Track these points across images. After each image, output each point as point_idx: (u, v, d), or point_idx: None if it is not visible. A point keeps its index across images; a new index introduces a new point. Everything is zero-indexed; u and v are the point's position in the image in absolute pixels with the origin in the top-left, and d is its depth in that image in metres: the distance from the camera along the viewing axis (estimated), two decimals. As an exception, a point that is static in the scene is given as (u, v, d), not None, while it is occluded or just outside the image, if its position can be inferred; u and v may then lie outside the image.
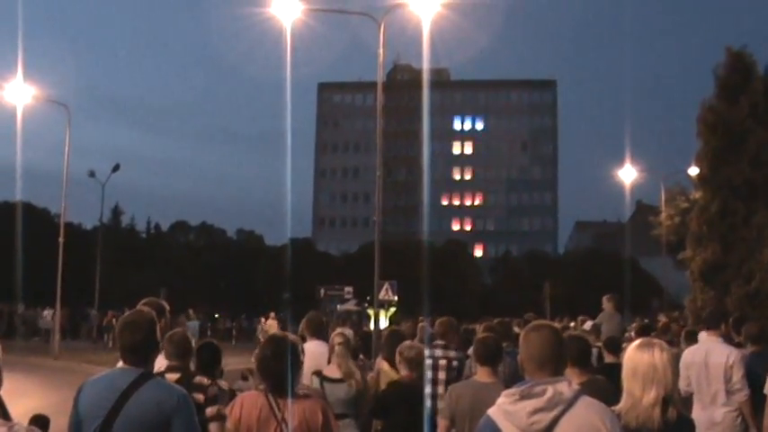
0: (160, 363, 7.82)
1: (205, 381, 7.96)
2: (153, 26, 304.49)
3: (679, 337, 16.51)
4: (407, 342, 9.89)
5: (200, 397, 7.56)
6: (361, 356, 12.63)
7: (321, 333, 11.29)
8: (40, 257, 58.05)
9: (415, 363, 9.53)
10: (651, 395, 5.39)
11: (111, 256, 67.33)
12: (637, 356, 5.57)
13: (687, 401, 10.99)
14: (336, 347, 9.94)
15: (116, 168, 61.15)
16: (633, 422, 5.23)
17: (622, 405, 5.41)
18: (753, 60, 24.18)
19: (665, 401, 5.41)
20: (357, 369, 9.85)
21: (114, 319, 54.04)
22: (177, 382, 7.42)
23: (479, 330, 13.01)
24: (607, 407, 4.86)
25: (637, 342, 5.78)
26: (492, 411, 4.75)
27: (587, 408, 4.66)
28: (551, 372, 4.75)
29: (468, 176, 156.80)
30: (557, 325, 5.21)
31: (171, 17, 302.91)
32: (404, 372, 9.48)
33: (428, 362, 11.24)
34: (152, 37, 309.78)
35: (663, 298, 65.51)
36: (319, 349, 10.39)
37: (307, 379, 9.50)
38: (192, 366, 8.44)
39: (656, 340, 5.88)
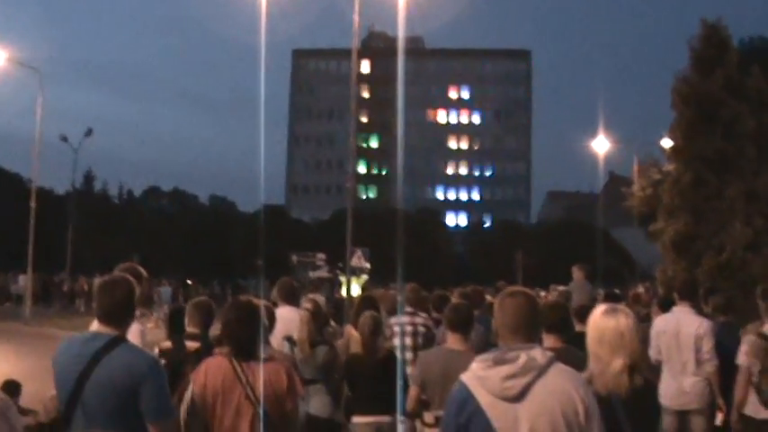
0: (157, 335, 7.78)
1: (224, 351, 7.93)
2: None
3: (649, 308, 16.60)
4: (367, 312, 9.87)
5: None
6: (332, 323, 12.62)
7: (293, 299, 11.28)
8: (12, 222, 57.88)
9: (374, 332, 9.52)
10: (619, 362, 5.38)
11: (83, 222, 67.03)
12: (603, 323, 5.54)
13: (657, 369, 11.04)
14: (302, 313, 9.94)
15: (89, 133, 60.80)
16: (602, 389, 5.21)
17: (590, 372, 5.39)
18: (728, 33, 24.16)
19: (632, 368, 5.41)
20: (308, 337, 9.80)
21: (86, 285, 53.92)
22: (197, 351, 7.41)
23: (454, 297, 13.01)
24: (580, 374, 4.86)
25: (601, 308, 5.74)
26: (465, 377, 4.73)
27: (560, 374, 4.66)
28: (525, 338, 4.74)
29: (441, 145, 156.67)
30: (532, 292, 5.18)
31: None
32: (365, 342, 9.48)
33: (396, 329, 11.26)
34: (126, 1, 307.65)
35: (634, 269, 65.84)
36: (290, 315, 10.37)
37: (278, 344, 9.49)
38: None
39: (620, 306, 5.86)
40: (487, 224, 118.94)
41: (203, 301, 8.63)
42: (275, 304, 11.02)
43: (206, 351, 7.21)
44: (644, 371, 5.66)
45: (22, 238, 44.91)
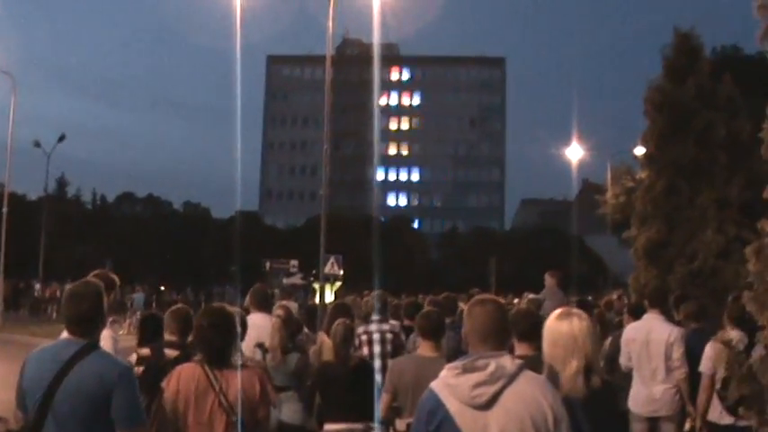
0: (129, 342, 7.76)
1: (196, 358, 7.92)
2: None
3: (622, 315, 16.68)
4: (339, 320, 9.88)
5: None
6: (305, 330, 12.63)
7: (265, 305, 11.30)
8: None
9: (344, 341, 9.52)
10: (573, 365, 5.44)
11: (55, 228, 66.78)
12: (556, 327, 5.62)
13: (628, 377, 11.12)
14: (273, 320, 9.95)
15: (62, 138, 60.69)
16: (559, 391, 5.25)
17: (546, 375, 5.39)
18: (700, 42, 24.26)
19: (588, 370, 5.46)
20: (279, 344, 9.80)
21: (58, 291, 53.70)
22: (176, 359, 7.40)
23: (426, 305, 13.05)
24: (548, 381, 4.88)
25: (556, 312, 5.82)
26: (435, 384, 4.74)
27: (529, 382, 4.68)
28: (494, 346, 4.76)
29: (416, 152, 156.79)
30: (501, 300, 5.22)
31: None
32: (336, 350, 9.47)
33: (363, 338, 11.29)
34: (99, 6, 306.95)
35: (607, 276, 66.08)
36: (263, 322, 10.39)
37: (250, 351, 9.50)
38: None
39: (574, 310, 5.94)
40: (461, 230, 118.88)
41: (181, 308, 8.61)
42: (248, 311, 11.03)
43: (185, 359, 7.21)
44: (601, 372, 5.73)
45: (-6, 243, 44.68)
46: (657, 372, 10.75)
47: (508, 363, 4.65)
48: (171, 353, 7.80)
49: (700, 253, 21.73)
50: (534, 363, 5.56)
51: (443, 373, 4.73)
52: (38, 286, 58.56)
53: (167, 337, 8.15)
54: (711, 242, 21.65)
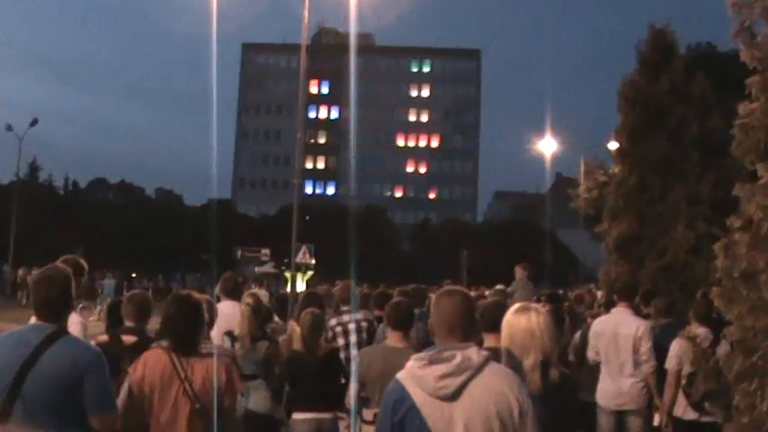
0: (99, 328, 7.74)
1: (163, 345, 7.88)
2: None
3: (592, 309, 16.77)
4: (308, 309, 9.86)
5: None
6: (276, 319, 12.62)
7: (235, 294, 11.30)
8: (-46, 212, 57.17)
9: (313, 330, 9.50)
10: (530, 360, 5.50)
11: (27, 213, 66.42)
12: (514, 321, 5.68)
13: (595, 370, 11.17)
14: (243, 308, 9.93)
15: (34, 123, 60.37)
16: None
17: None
18: (675, 39, 24.35)
19: (545, 364, 5.49)
20: (249, 332, 9.80)
21: (28, 277, 53.40)
22: (134, 345, 7.39)
23: (395, 295, 13.06)
24: (514, 373, 4.89)
25: (514, 307, 5.88)
26: (401, 375, 4.75)
27: (495, 374, 4.69)
28: (461, 337, 4.77)
29: (390, 143, 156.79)
30: (470, 292, 5.25)
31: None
32: (306, 338, 9.44)
33: (338, 329, 11.29)
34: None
35: (579, 270, 66.35)
36: (232, 310, 10.39)
37: (219, 338, 9.49)
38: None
39: (533, 305, 6.00)
40: (434, 222, 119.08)
41: (138, 293, 8.60)
42: (218, 299, 11.03)
43: (143, 345, 7.18)
44: (559, 366, 5.79)
45: (-35, 227, 44.54)
46: (625, 365, 10.79)
47: (474, 354, 4.65)
48: (129, 339, 7.77)
49: (670, 248, 21.83)
50: (504, 355, 5.58)
51: (409, 363, 4.73)
52: (7, 270, 58.21)
53: (126, 323, 8.13)
54: (682, 238, 21.76)
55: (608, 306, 13.28)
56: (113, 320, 8.76)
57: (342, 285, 12.37)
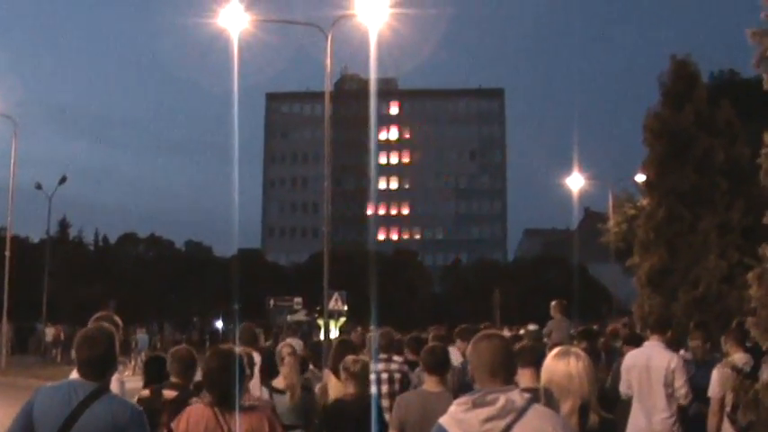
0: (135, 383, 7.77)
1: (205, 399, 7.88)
2: (100, 36, 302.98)
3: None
4: (351, 357, 9.82)
5: None
6: (311, 367, 12.60)
7: (254, 343, 11.36)
8: (-14, 271, 57.41)
9: (361, 377, 9.45)
10: (567, 404, 5.48)
11: (58, 270, 66.73)
12: (553, 365, 5.67)
13: (627, 404, 11.04)
14: (286, 358, 9.90)
15: (63, 180, 60.67)
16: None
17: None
18: (697, 68, 24.37)
19: (584, 408, 5.47)
20: (298, 382, 9.78)
21: (62, 334, 53.57)
22: (174, 399, 7.41)
23: (430, 339, 13.01)
24: (558, 415, 4.88)
25: (554, 351, 5.85)
26: (444, 420, 4.74)
27: (539, 416, 4.68)
28: (503, 380, 4.77)
29: (418, 185, 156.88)
30: (506, 333, 5.27)
31: (118, 27, 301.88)
32: (350, 387, 9.36)
33: (372, 377, 11.23)
34: (99, 47, 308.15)
35: (611, 304, 65.92)
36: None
37: (256, 389, 9.49)
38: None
39: (573, 349, 5.97)
40: (464, 263, 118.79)
41: (181, 349, 8.63)
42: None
43: (183, 399, 7.20)
44: (597, 409, 5.74)
45: (-2, 287, 44.70)
46: (658, 400, 10.65)
47: (517, 397, 4.66)
48: (169, 394, 7.80)
49: (703, 279, 21.73)
50: (545, 395, 5.57)
51: (452, 408, 4.73)
52: (42, 329, 58.37)
53: (172, 378, 8.17)
54: (715, 268, 21.67)
55: (631, 340, 13.20)
56: (151, 375, 8.79)
57: (382, 332, 12.27)
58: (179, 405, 6.96)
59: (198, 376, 7.50)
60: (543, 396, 5.51)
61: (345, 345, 11.48)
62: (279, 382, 9.76)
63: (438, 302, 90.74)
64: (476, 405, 4.63)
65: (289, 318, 59.09)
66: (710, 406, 10.00)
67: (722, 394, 9.82)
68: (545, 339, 18.35)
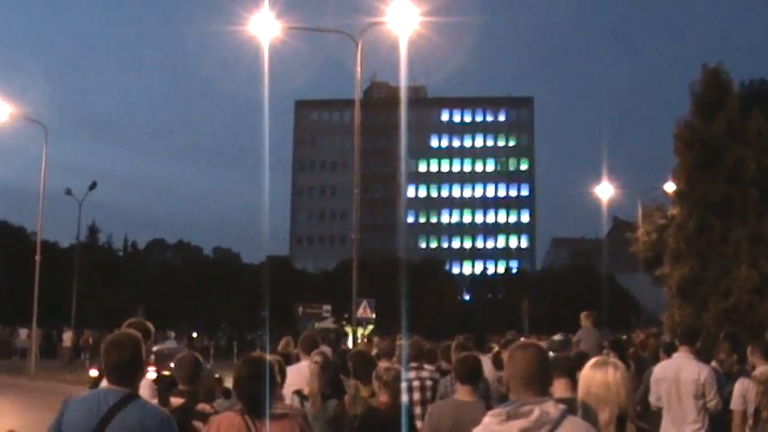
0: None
1: (208, 408, 7.85)
2: (130, 43, 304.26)
3: (656, 353, 16.55)
4: (384, 364, 9.79)
5: (199, 425, 7.44)
6: (342, 375, 12.58)
7: (314, 349, 11.30)
8: (17, 276, 57.84)
9: (393, 386, 9.42)
10: (605, 414, 5.44)
11: (87, 275, 66.99)
12: (590, 375, 5.63)
13: (657, 415, 10.96)
14: (311, 366, 9.89)
15: (93, 186, 61.00)
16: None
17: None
18: (728, 77, 24.26)
19: (621, 419, 5.43)
20: (319, 390, 9.75)
21: (91, 339, 53.82)
22: (180, 407, 7.40)
23: (453, 348, 13.02)
24: (592, 427, 4.84)
25: (591, 361, 5.82)
26: (478, 431, 4.72)
27: (573, 428, 4.65)
28: (537, 391, 4.73)
29: (445, 194, 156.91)
30: (542, 344, 5.23)
31: (148, 34, 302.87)
32: (383, 396, 9.32)
33: (403, 385, 11.20)
34: (129, 54, 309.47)
35: (640, 314, 65.64)
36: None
37: (290, 397, 9.48)
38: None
39: (610, 359, 5.96)
40: (492, 272, 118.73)
41: (186, 355, 8.60)
42: (286, 356, 11.03)
43: (190, 406, 7.21)
44: (634, 420, 5.70)
45: (27, 291, 44.93)
46: (688, 411, 10.55)
47: (552, 408, 4.62)
48: (176, 401, 7.78)
49: (734, 289, 21.63)
50: (581, 407, 5.54)
51: (486, 419, 4.70)
52: (70, 334, 58.59)
53: (180, 386, 8.14)
54: (746, 278, 21.56)
55: (669, 350, 13.13)
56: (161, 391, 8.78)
57: (412, 341, 12.28)
58: (186, 412, 6.96)
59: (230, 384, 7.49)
60: (580, 408, 5.48)
61: (361, 355, 11.42)
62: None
63: (466, 312, 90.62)
64: (510, 417, 4.59)
65: (317, 325, 59.12)
66: (733, 419, 9.94)
67: (744, 407, 9.76)
68: (573, 349, 18.29)
